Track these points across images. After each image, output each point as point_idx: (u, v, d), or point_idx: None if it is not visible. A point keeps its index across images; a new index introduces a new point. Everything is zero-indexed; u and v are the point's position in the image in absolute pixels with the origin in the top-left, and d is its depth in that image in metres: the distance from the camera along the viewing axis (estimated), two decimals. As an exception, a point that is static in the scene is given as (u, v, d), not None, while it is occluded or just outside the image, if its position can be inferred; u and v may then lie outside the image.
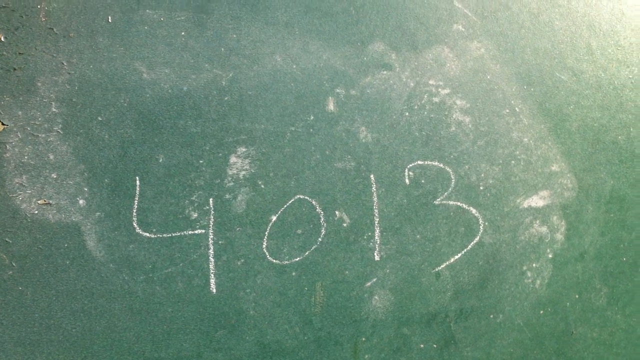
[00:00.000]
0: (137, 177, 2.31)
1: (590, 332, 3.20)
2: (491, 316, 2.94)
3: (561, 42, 2.99)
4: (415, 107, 2.71)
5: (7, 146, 2.14)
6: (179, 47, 2.36)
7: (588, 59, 3.06)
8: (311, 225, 2.58)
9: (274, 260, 2.53)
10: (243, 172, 2.45)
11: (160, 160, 2.33)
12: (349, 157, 2.61)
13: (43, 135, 2.18)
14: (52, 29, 2.19)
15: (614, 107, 3.12)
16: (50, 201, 2.21)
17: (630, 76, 3.16)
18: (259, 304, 2.53)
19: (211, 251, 2.43)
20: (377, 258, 2.70)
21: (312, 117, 2.54)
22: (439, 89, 2.75)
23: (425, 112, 2.73)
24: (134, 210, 2.31)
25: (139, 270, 2.34)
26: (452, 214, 2.81)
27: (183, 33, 2.36)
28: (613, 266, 3.22)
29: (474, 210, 2.84)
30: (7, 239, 2.16)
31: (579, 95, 3.03)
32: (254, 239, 2.49)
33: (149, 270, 2.35)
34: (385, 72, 2.66)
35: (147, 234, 2.34)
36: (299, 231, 2.56)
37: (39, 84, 2.17)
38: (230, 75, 2.42)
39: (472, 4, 2.81)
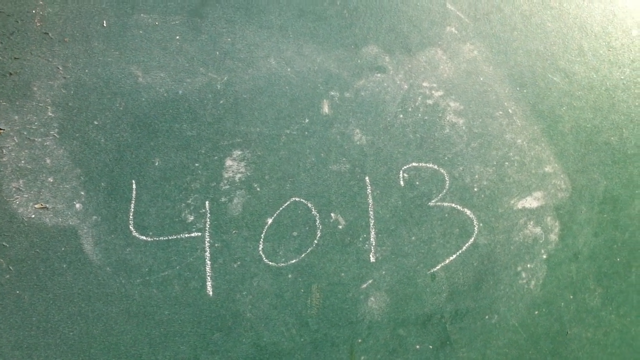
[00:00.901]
0: (134, 181, 2.34)
1: (585, 332, 3.25)
2: (486, 317, 2.98)
3: (553, 43, 3.04)
4: (409, 109, 2.75)
5: (4, 150, 2.17)
6: (173, 51, 2.39)
7: (580, 60, 3.11)
8: (307, 228, 2.61)
9: (270, 263, 2.57)
10: (239, 175, 2.49)
11: (156, 164, 2.37)
12: (344, 159, 2.65)
13: (39, 140, 2.21)
14: (48, 33, 2.22)
15: (606, 108, 3.17)
16: (47, 205, 2.24)
17: (622, 77, 3.21)
18: (256, 306, 2.56)
19: (207, 254, 2.47)
20: (372, 260, 2.74)
21: (306, 120, 2.58)
22: (433, 91, 2.80)
23: (419, 114, 2.77)
24: (131, 214, 2.35)
25: (136, 274, 2.37)
26: (446, 215, 2.85)
27: (178, 37, 2.40)
28: (607, 266, 3.26)
29: (468, 212, 2.89)
30: (4, 243, 2.19)
31: (572, 96, 3.08)
32: (250, 242, 2.53)
33: (146, 274, 2.38)
34: (379, 74, 2.70)
35: (144, 237, 2.37)
36: (295, 233, 2.59)
37: (35, 89, 2.20)
38: (225, 78, 2.46)
39: (464, 7, 2.85)
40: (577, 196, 3.14)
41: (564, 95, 3.06)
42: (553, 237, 3.10)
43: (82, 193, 2.28)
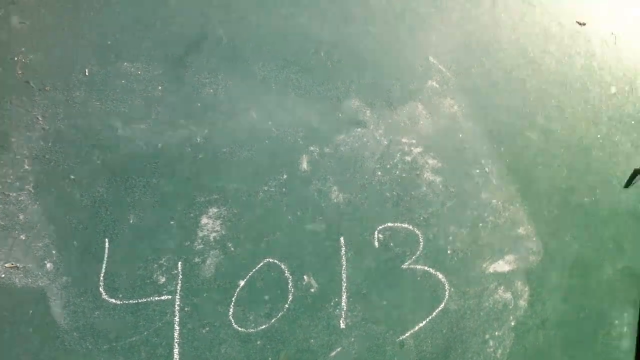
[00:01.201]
0: (107, 239, 2.73)
1: (550, 404, 3.88)
2: (453, 387, 3.55)
3: (533, 99, 3.64)
4: (388, 165, 3.29)
5: (-24, 205, 2.55)
6: (155, 102, 2.79)
7: (558, 117, 3.75)
8: (279, 291, 3.07)
9: (240, 328, 2.99)
10: (214, 234, 2.93)
11: (131, 221, 2.77)
12: (320, 218, 3.13)
13: (14, 194, 2.57)
14: (29, 82, 2.58)
15: (582, 168, 3.80)
16: (18, 264, 2.59)
17: (599, 135, 3.89)
18: (222, 374, 3.02)
19: (177, 318, 2.87)
20: (342, 326, 3.22)
21: (285, 176, 3.06)
22: (412, 147, 3.34)
23: (397, 172, 3.31)
24: (102, 275, 2.72)
25: (103, 339, 2.74)
26: (418, 278, 3.38)
27: (160, 87, 2.81)
28: (573, 334, 3.87)
29: (440, 275, 3.43)
30: (-30, 305, 2.54)
31: (548, 155, 3.71)
32: (221, 306, 2.95)
33: (113, 339, 2.75)
34: (359, 129, 3.21)
35: (113, 300, 2.76)
36: (267, 297, 3.04)
37: (13, 140, 2.56)
38: (206, 131, 2.89)
39: (446, 60, 3.42)
40: (548, 260, 3.75)
41: (540, 153, 3.68)
42: (522, 303, 3.70)
43: (54, 252, 2.66)
